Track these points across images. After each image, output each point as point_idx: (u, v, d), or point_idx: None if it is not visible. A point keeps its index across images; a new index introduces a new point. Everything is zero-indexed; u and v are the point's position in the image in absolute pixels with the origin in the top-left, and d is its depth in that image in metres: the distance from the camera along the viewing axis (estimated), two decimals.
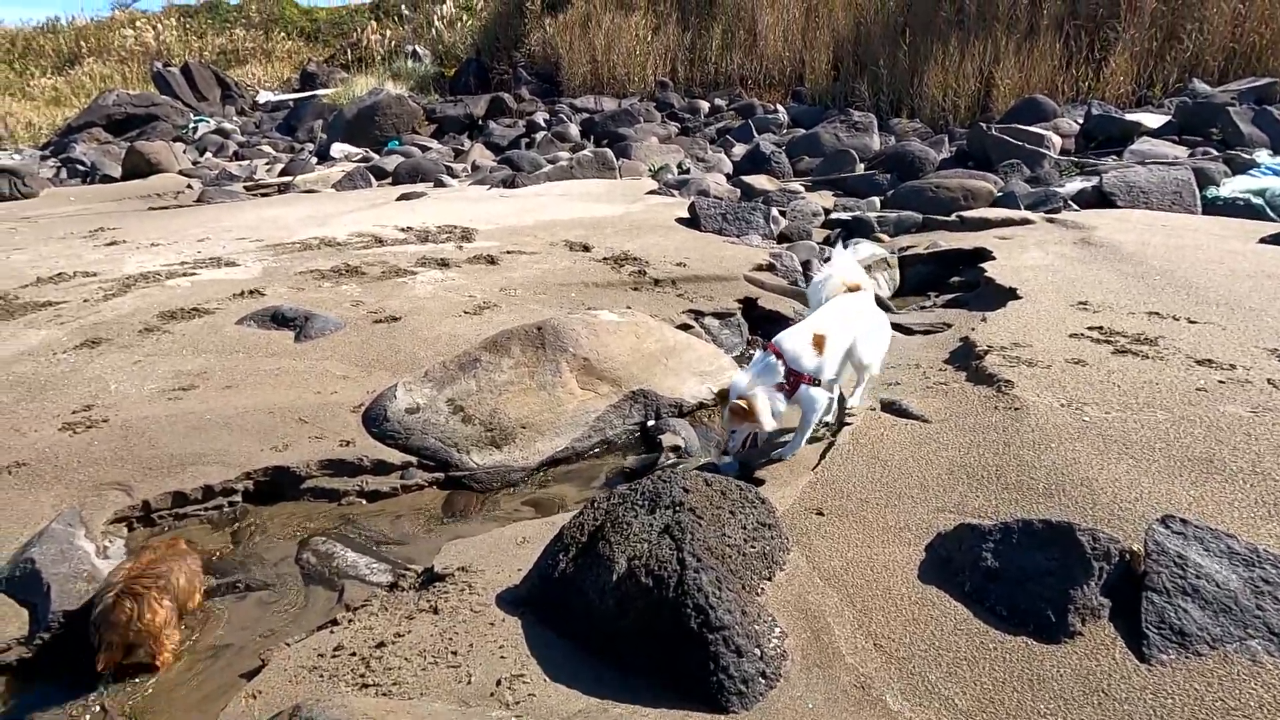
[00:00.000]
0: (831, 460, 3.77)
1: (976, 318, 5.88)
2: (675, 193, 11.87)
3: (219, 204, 12.50)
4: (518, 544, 3.37)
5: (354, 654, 2.64)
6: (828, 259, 7.17)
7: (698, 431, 4.96)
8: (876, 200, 10.94)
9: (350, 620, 2.90)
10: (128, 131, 23.47)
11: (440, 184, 13.16)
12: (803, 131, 15.57)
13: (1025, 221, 8.63)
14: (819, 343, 3.96)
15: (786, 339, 4.04)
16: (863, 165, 12.56)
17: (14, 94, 36.09)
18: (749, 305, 7.36)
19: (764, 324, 7.14)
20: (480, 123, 20.67)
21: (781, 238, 9.67)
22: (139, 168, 15.97)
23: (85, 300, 6.73)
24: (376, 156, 17.14)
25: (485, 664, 2.53)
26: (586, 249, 8.54)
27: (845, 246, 8.80)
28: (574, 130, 18.05)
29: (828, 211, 10.77)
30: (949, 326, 6.11)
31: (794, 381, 3.93)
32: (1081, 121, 13.07)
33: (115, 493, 3.84)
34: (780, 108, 18.20)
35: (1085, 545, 2.50)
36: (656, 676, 2.35)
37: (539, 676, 2.45)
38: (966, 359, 5.02)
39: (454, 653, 2.60)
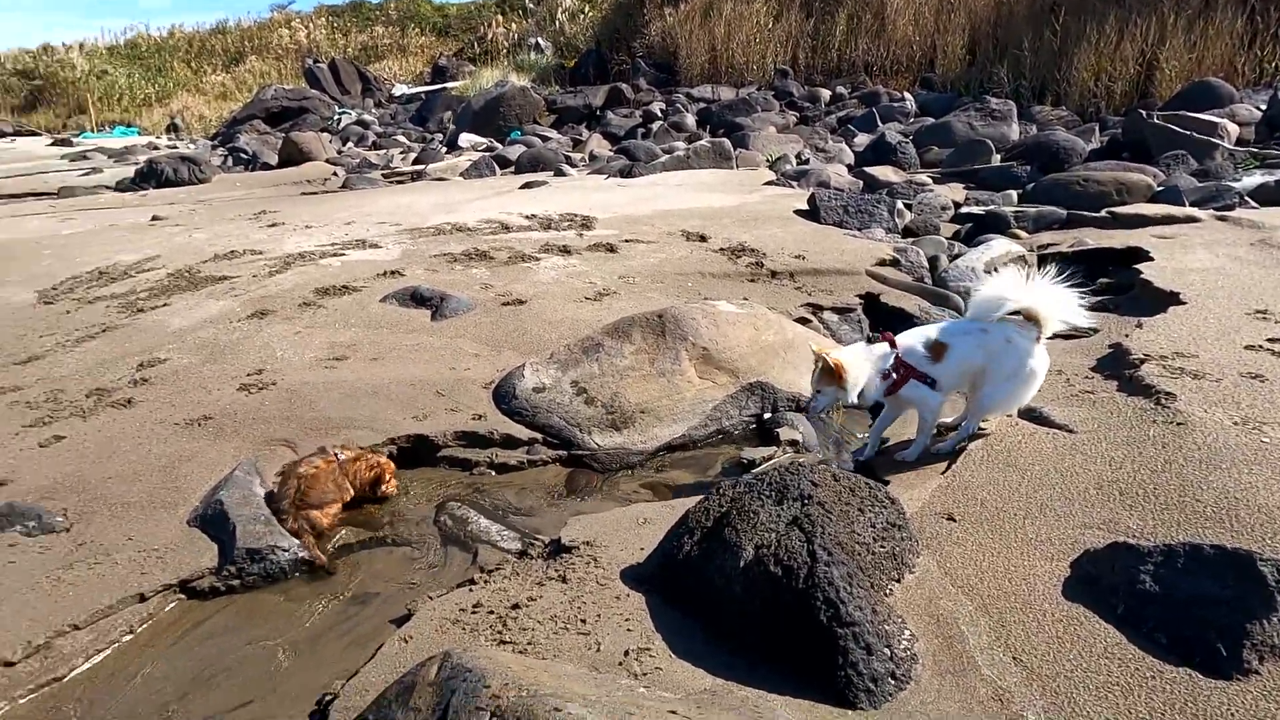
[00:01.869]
0: (963, 465, 3.62)
1: (1130, 323, 5.41)
2: (794, 184, 11.64)
3: (360, 190, 13.50)
4: (639, 524, 3.47)
5: (491, 612, 2.84)
6: (988, 270, 6.87)
7: (816, 427, 4.89)
8: (1014, 194, 10.25)
9: (486, 581, 3.10)
10: (282, 123, 25.77)
11: (560, 173, 13.57)
12: (932, 120, 14.80)
13: (1190, 219, 7.81)
14: (937, 351, 3.83)
15: (905, 335, 3.98)
16: (999, 156, 11.78)
17: (189, 90, 40.57)
18: (871, 301, 7.13)
19: (886, 321, 6.90)
20: (598, 113, 21.09)
21: (907, 232, 9.28)
22: (292, 156, 17.50)
23: (254, 275, 7.51)
24: (500, 146, 17.90)
25: (613, 635, 2.65)
26: (703, 239, 8.56)
27: (976, 244, 8.37)
28: (690, 120, 18.04)
29: (958, 205, 10.21)
30: (1095, 331, 5.65)
31: (902, 375, 3.83)
32: (1264, 108, 11.62)
33: (282, 448, 4.29)
34: (908, 95, 17.36)
35: (1269, 577, 2.28)
36: (782, 664, 2.37)
37: (664, 651, 2.54)
38: (1118, 367, 4.64)
39: (582, 620, 2.73)
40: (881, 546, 2.65)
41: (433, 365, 5.30)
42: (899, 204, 9.60)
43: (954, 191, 10.91)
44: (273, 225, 10.06)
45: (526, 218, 9.62)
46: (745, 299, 6.61)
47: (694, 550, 2.81)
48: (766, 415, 4.99)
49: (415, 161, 16.91)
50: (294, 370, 5.18)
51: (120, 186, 15.52)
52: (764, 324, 5.59)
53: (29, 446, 4.22)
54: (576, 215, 9.69)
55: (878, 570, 2.58)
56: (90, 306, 6.96)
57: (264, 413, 4.59)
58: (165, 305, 6.78)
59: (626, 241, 8.44)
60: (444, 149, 18.56)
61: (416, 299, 6.51)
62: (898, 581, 2.67)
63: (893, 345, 3.90)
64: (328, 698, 2.63)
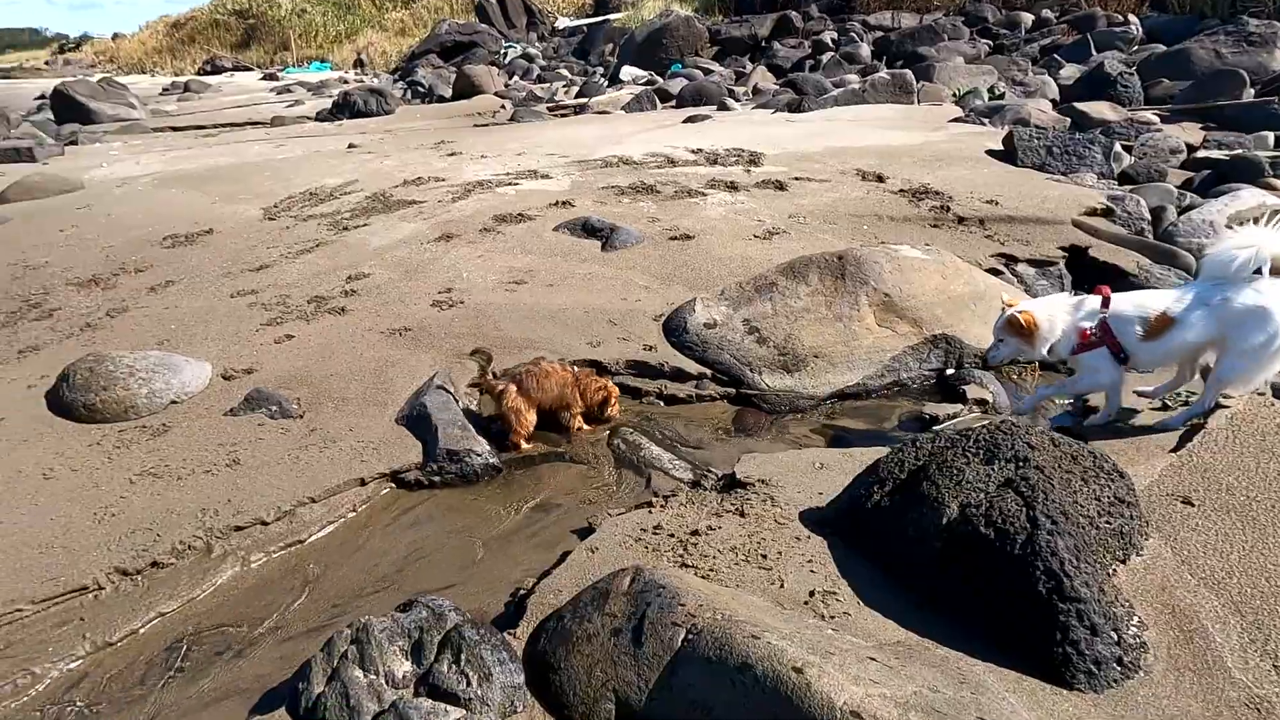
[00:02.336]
0: (1200, 445, 3.17)
1: None
2: (985, 121, 10.50)
3: (527, 123, 13.88)
4: (816, 468, 3.39)
5: (672, 535, 2.91)
6: (1230, 224, 5.90)
7: (1006, 388, 4.49)
8: (1269, 136, 8.61)
9: (663, 506, 3.18)
10: (454, 57, 26.94)
11: (723, 107, 13.14)
12: (1163, 48, 12.65)
13: None
14: (1160, 325, 3.31)
15: (1126, 296, 3.48)
16: (1253, 90, 9.88)
17: (373, 26, 43.38)
18: (1075, 254, 6.35)
19: (1096, 279, 6.11)
20: (763, 44, 20.06)
21: (1123, 178, 8.10)
22: (465, 89, 18.30)
23: (439, 201, 8.00)
24: (660, 80, 17.60)
25: (795, 574, 2.63)
26: (880, 179, 7.99)
27: (1216, 194, 7.12)
28: (865, 51, 16.70)
29: (1192, 149, 8.75)
30: None
31: (1099, 339, 3.39)
32: None
33: (471, 362, 4.60)
34: (1132, 19, 14.92)
35: None
36: (984, 628, 2.24)
37: (851, 597, 2.48)
38: None
39: (763, 555, 2.73)
40: (1107, 522, 2.39)
41: (604, 294, 5.42)
42: (1116, 145, 8.38)
43: (1187, 132, 9.35)
44: (451, 154, 10.62)
45: (692, 152, 9.44)
46: (927, 245, 6.12)
47: (885, 500, 2.69)
48: (950, 371, 4.64)
49: (578, 95, 17.08)
50: (478, 291, 5.50)
51: (319, 117, 17.05)
52: (952, 272, 5.15)
53: (267, 342, 4.83)
54: (743, 151, 9.37)
55: (1102, 548, 2.33)
56: (304, 224, 7.77)
57: (454, 328, 4.93)
58: (365, 225, 7.41)
59: (796, 179, 8.06)
60: (605, 83, 18.57)
61: (588, 229, 6.65)
62: (1123, 563, 2.41)
63: (1105, 304, 3.44)
64: (521, 591, 2.84)
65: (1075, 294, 3.65)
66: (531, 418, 3.91)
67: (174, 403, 4.07)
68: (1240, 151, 8.07)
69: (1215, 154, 8.24)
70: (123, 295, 6.06)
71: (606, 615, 2.28)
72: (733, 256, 5.97)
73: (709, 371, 4.56)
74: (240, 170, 10.67)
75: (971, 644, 2.23)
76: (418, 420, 3.86)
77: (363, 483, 3.53)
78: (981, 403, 4.26)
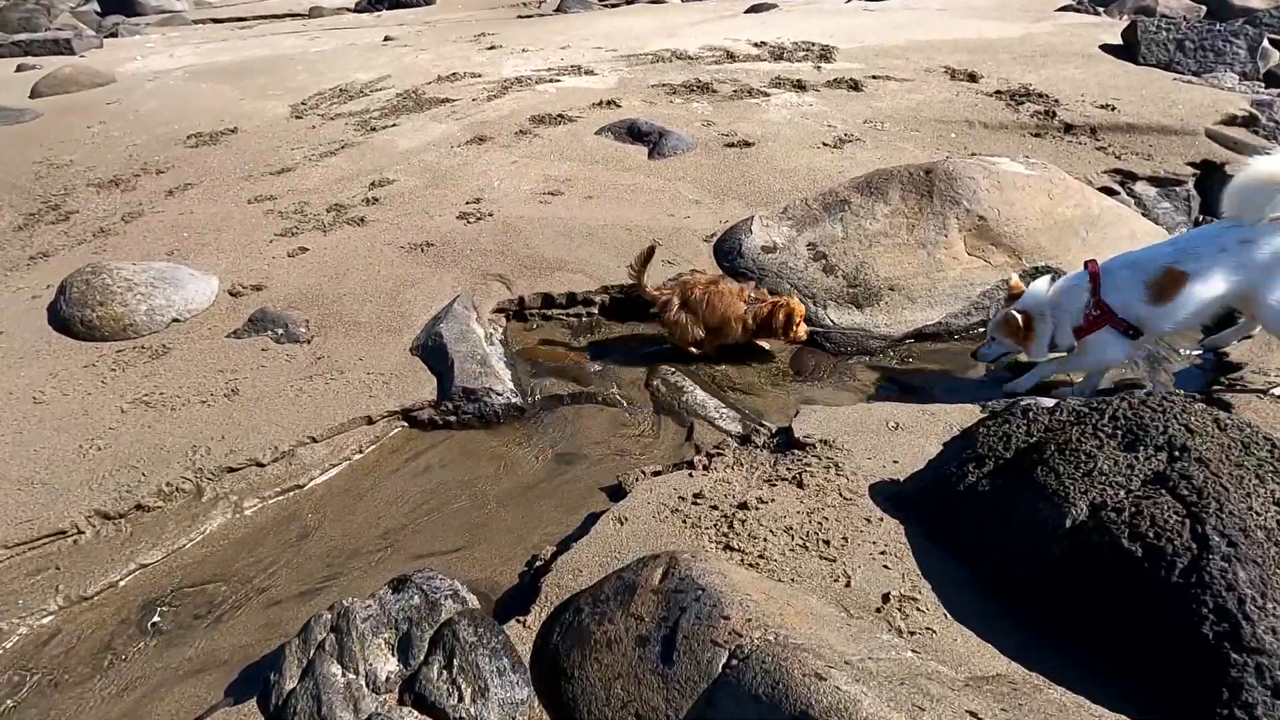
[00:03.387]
0: None
1: None
2: (1100, 10, 9.04)
3: (574, 13, 12.73)
4: (890, 429, 2.85)
5: (715, 508, 2.46)
6: None
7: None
8: None
9: (707, 467, 2.72)
10: None
11: None
12: None
13: None
14: (1170, 283, 2.80)
15: (1116, 263, 3.01)
16: None
17: None
18: (1208, 172, 5.36)
19: None
20: None
21: (1270, 79, 6.82)
22: None
23: (473, 99, 7.31)
24: None
25: (866, 568, 2.15)
26: (973, 78, 6.91)
27: None
28: None
29: None
30: None
31: (1098, 319, 2.97)
32: None
33: (497, 285, 4.12)
34: None
35: None
36: (1117, 668, 1.75)
37: (935, 606, 2.01)
38: None
39: (825, 542, 2.26)
40: None
41: (649, 209, 4.80)
42: (1265, 40, 7.02)
43: None
44: (491, 48, 9.77)
45: (755, 45, 8.39)
46: (1028, 157, 5.23)
47: (984, 483, 2.16)
48: None
49: None
50: (509, 202, 4.94)
51: (358, 8, 16.09)
52: (1060, 192, 4.33)
53: (280, 255, 4.43)
54: (813, 44, 8.27)
55: None
56: (332, 123, 7.22)
57: (480, 244, 4.43)
58: (394, 125, 6.83)
59: (874, 78, 7.05)
60: None
61: (633, 134, 5.93)
62: None
63: (1094, 278, 2.97)
64: (538, 562, 2.46)
65: (1074, 276, 3.11)
66: (698, 332, 3.61)
67: (176, 321, 3.74)
68: None
69: None
70: (141, 198, 5.72)
71: (632, 617, 1.87)
72: (798, 168, 5.21)
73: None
74: (273, 63, 10.08)
75: (1099, 687, 1.75)
76: (433, 351, 3.44)
77: (370, 421, 3.16)
78: None
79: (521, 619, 2.11)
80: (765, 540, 2.30)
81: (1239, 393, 3.04)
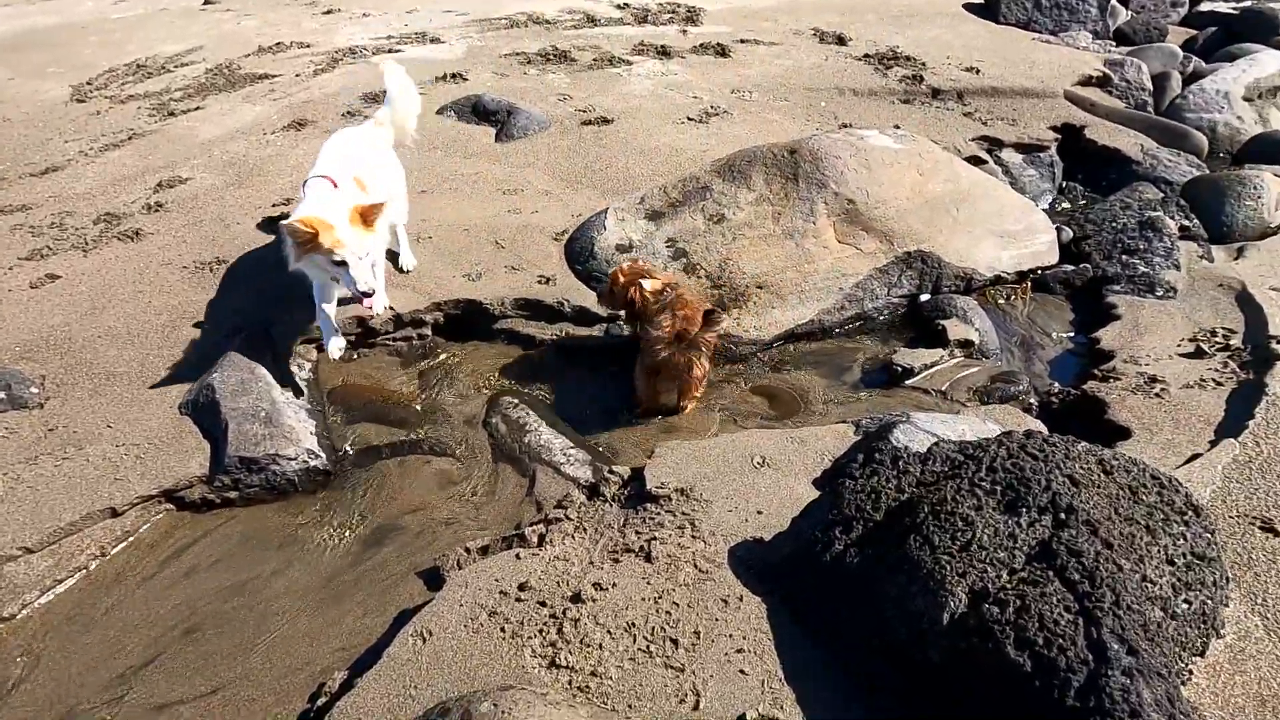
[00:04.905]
0: (1271, 419, 2.34)
1: None
2: None
3: None
4: (754, 466, 2.48)
5: (544, 604, 1.99)
6: (1249, 98, 5.03)
7: (993, 319, 3.59)
8: None
9: (542, 540, 2.24)
10: None
11: None
12: None
13: None
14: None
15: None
16: None
17: None
18: (1070, 136, 5.31)
19: (1089, 165, 5.13)
20: None
21: (1119, 37, 6.94)
22: None
23: (297, 75, 6.34)
24: None
25: (719, 677, 1.76)
26: (841, 41, 6.62)
27: (1220, 58, 6.05)
28: None
29: (1194, 0, 7.57)
30: None
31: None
32: None
33: (300, 313, 3.42)
34: None
35: None
36: None
37: None
38: None
39: (674, 641, 1.85)
40: (1185, 602, 1.55)
41: (492, 204, 4.19)
42: None
43: None
44: (327, 13, 8.63)
45: (618, 7, 7.76)
46: (898, 127, 4.99)
47: (852, 555, 1.80)
48: (925, 298, 3.70)
49: None
50: None
51: None
52: (930, 167, 4.08)
53: (19, 286, 3.54)
54: (679, 5, 7.74)
55: (1177, 647, 1.50)
56: (122, 107, 6.07)
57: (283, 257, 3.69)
58: (198, 109, 5.80)
59: (742, 42, 6.62)
60: None
61: (479, 112, 5.24)
62: (1201, 655, 1.60)
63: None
64: (321, 698, 1.92)
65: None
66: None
67: None
68: (1251, 3, 6.93)
69: (1223, 7, 7.09)
70: None
71: None
72: (659, 147, 4.73)
73: (623, 312, 3.50)
74: (59, 33, 8.53)
75: None
76: (205, 409, 2.75)
77: (115, 513, 2.46)
78: (965, 345, 3.36)
79: None
80: (601, 648, 1.85)
81: (1113, 385, 2.87)
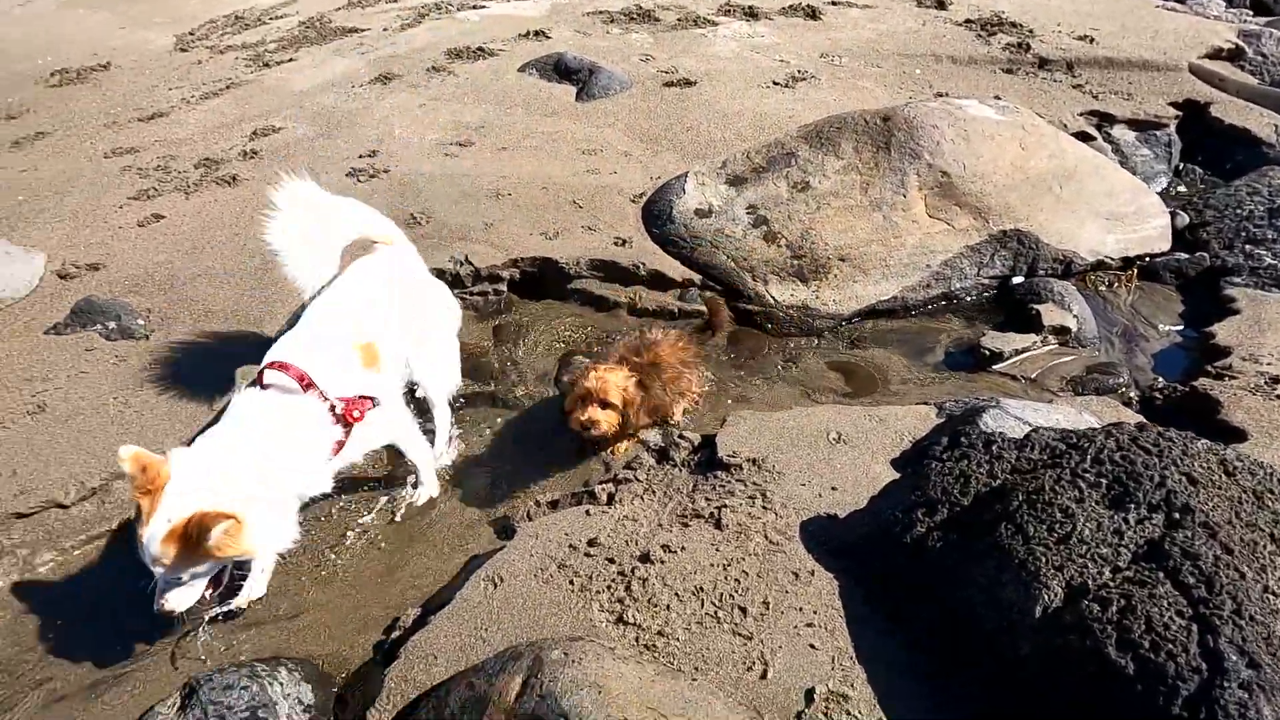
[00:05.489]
0: None
1: None
2: None
3: None
4: (830, 442, 2.41)
5: (612, 560, 2.01)
6: None
7: (1092, 307, 3.37)
8: None
9: (610, 500, 2.25)
10: None
11: None
12: None
13: None
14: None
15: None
16: None
17: None
18: (1193, 113, 4.88)
19: (1213, 146, 4.71)
20: None
21: (1257, 6, 6.30)
22: None
23: (384, 29, 6.42)
24: None
25: (788, 649, 1.73)
26: (941, 5, 6.24)
27: None
28: None
29: None
30: None
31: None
32: None
33: None
34: None
35: None
36: None
37: (872, 709, 1.60)
38: None
39: (742, 610, 1.83)
40: None
41: (572, 163, 4.16)
42: None
43: None
44: None
45: None
46: (998, 98, 4.68)
47: (935, 539, 1.73)
48: (1018, 280, 3.50)
49: None
50: (410, 155, 4.26)
51: None
52: (1034, 141, 3.82)
53: (128, 224, 3.74)
54: None
55: None
56: (221, 57, 6.30)
57: (372, 207, 3.77)
58: (291, 60, 5.96)
59: (834, 4, 6.33)
60: None
61: (560, 70, 5.20)
62: None
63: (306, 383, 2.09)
64: (396, 632, 2.00)
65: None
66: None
67: None
68: None
69: None
70: None
71: None
72: (743, 111, 4.59)
73: (698, 277, 3.45)
74: None
75: None
76: None
77: None
78: (1061, 331, 3.17)
79: None
80: (669, 609, 1.85)
81: (1228, 384, 2.66)
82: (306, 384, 2.08)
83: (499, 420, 2.85)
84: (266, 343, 2.93)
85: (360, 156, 4.29)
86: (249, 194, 3.99)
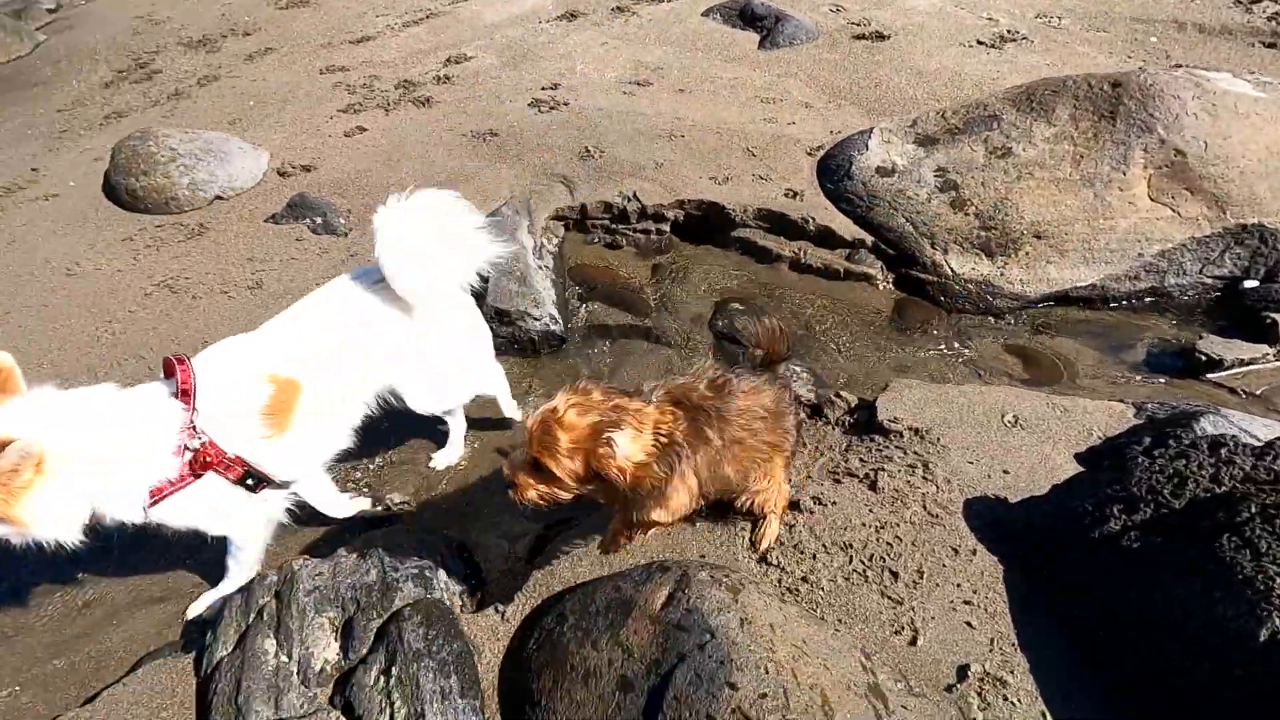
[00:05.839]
0: None
1: None
2: None
3: None
4: (1005, 423, 2.23)
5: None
6: None
7: None
8: None
9: None
10: None
11: None
12: None
13: None
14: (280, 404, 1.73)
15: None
16: None
17: None
18: None
19: None
20: None
21: None
22: None
23: None
24: None
25: (942, 622, 1.64)
26: None
27: None
28: None
29: None
30: None
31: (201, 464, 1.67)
32: None
33: (560, 187, 3.61)
34: None
35: None
36: None
37: (1033, 701, 1.48)
38: None
39: (893, 573, 1.75)
40: None
41: (748, 110, 4.05)
42: None
43: None
44: None
45: None
46: (1256, 75, 4.01)
47: (1133, 538, 1.55)
48: (1251, 283, 3.03)
49: None
50: (589, 91, 4.32)
51: None
52: None
53: (337, 134, 4.09)
54: None
55: None
56: None
57: (549, 138, 3.89)
58: None
59: None
60: None
61: (745, 17, 5.04)
62: None
63: (185, 394, 1.67)
64: (544, 529, 2.09)
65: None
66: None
67: (219, 198, 3.50)
68: None
69: None
70: (221, 61, 5.50)
71: (620, 648, 1.47)
72: (939, 70, 4.25)
73: (869, 239, 3.28)
74: None
75: None
76: None
77: None
78: None
79: (501, 608, 1.76)
80: (814, 558, 1.81)
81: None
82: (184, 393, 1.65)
83: (651, 354, 2.88)
84: None
85: (542, 89, 4.41)
86: (440, 115, 4.23)
